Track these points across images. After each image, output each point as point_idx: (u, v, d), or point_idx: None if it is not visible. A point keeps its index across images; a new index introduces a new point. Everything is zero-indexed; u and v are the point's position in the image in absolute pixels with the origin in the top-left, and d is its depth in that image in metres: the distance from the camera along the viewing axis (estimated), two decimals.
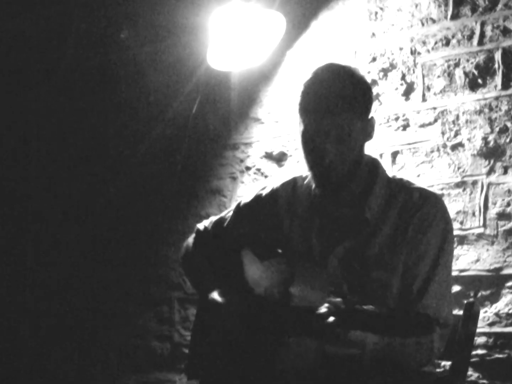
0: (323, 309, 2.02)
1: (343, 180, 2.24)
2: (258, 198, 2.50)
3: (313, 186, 2.34)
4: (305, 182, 2.41)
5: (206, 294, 2.42)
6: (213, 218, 2.60)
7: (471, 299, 2.88)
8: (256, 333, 2.23)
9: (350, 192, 2.29)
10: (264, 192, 2.50)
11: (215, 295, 2.37)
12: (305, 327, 2.11)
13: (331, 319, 1.98)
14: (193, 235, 2.61)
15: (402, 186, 2.33)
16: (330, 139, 2.19)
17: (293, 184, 2.45)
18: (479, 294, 2.96)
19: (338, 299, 2.10)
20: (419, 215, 2.25)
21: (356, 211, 2.29)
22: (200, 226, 2.60)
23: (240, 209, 2.53)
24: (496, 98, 3.00)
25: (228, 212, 2.57)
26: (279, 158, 3.49)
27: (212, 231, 2.56)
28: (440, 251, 2.25)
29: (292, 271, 2.24)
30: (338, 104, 2.17)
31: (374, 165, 2.35)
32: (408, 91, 3.20)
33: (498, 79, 3.00)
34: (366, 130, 2.27)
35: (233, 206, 2.59)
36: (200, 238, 2.58)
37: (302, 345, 2.13)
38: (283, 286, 2.24)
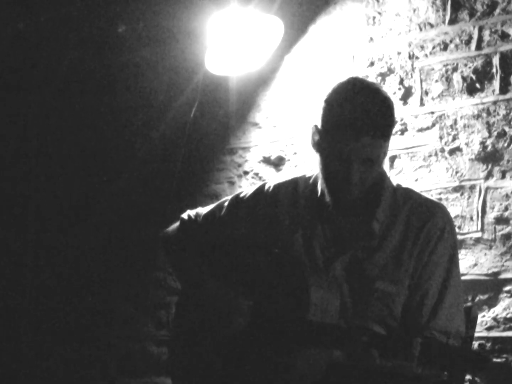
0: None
1: (359, 199, 2.24)
2: (256, 197, 2.44)
3: (319, 192, 2.31)
4: (309, 183, 2.38)
5: (195, 287, 2.38)
6: (201, 211, 2.53)
7: (469, 304, 2.88)
8: (266, 337, 2.18)
9: (358, 203, 2.26)
10: (263, 191, 2.44)
11: (215, 290, 2.33)
12: (318, 340, 2.09)
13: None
14: (176, 225, 2.55)
15: (407, 197, 2.32)
16: (359, 161, 2.16)
17: (294, 186, 2.41)
18: (477, 299, 2.96)
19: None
20: (428, 228, 2.25)
21: (363, 221, 2.28)
22: (184, 216, 2.54)
23: (236, 206, 2.46)
24: (494, 103, 3.00)
25: (219, 207, 2.49)
26: (277, 163, 3.49)
27: (202, 224, 2.49)
28: (450, 263, 2.26)
29: (306, 279, 2.19)
30: (377, 131, 2.14)
31: (380, 174, 2.32)
32: (406, 96, 3.20)
33: (496, 83, 3.00)
34: (387, 149, 2.26)
35: (223, 199, 2.54)
36: (186, 230, 2.51)
37: (312, 355, 2.10)
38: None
